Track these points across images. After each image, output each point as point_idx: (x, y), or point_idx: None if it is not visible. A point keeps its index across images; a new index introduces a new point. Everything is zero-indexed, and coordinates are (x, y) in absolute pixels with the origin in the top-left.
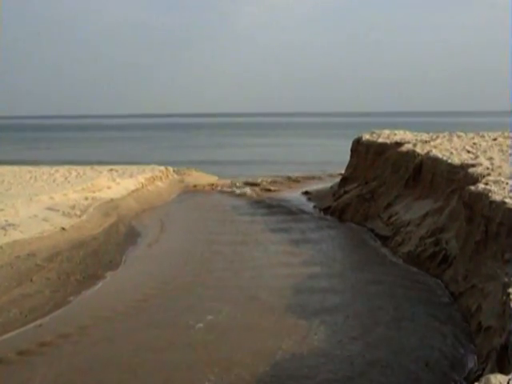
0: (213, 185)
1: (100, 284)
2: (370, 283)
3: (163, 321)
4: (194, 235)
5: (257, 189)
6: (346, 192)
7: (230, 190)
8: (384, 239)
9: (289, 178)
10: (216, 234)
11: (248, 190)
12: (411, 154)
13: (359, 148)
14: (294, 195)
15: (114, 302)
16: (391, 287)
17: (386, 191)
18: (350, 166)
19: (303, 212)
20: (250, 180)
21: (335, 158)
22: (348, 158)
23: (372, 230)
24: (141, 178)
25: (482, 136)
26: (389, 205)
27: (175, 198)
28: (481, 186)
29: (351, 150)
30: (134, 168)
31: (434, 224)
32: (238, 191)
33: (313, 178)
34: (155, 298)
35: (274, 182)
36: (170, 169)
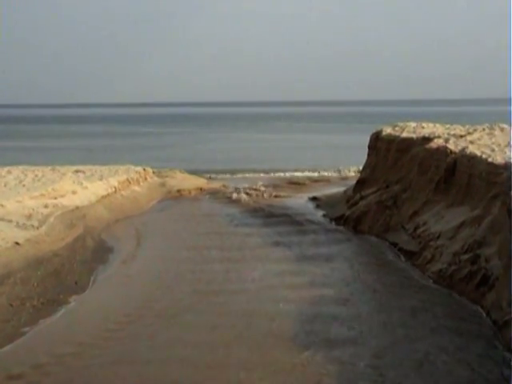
0: (201, 189)
1: (62, 311)
2: (391, 309)
3: (140, 356)
4: (179, 251)
5: (254, 194)
6: (362, 198)
7: (221, 195)
8: (409, 255)
9: (293, 181)
10: (205, 249)
11: (244, 195)
12: (442, 152)
13: (379, 144)
14: (298, 201)
15: (79, 334)
16: (418, 315)
17: (411, 197)
18: (368, 166)
19: (310, 222)
20: (246, 183)
21: (349, 157)
22: (364, 156)
23: (394, 244)
24: (113, 181)
25: None
26: (415, 213)
27: (155, 206)
28: None
29: (369, 147)
30: (105, 169)
31: (470, 237)
32: (231, 197)
33: (322, 180)
34: (131, 328)
35: (274, 186)
36: (149, 170)
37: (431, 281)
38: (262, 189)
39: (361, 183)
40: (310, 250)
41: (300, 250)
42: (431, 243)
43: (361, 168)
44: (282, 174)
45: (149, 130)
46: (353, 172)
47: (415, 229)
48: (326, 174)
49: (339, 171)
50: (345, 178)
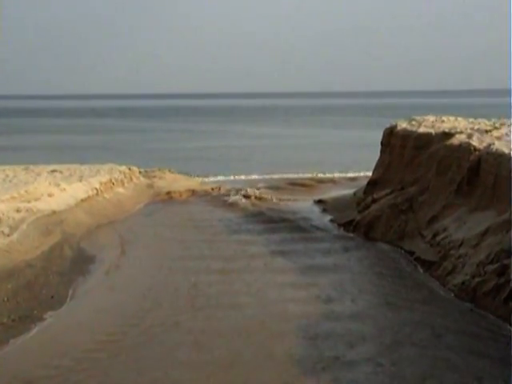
0: (193, 191)
1: (36, 329)
2: (407, 326)
3: (123, 382)
4: (168, 260)
5: (253, 197)
6: (374, 201)
7: (216, 198)
8: (427, 265)
9: (296, 182)
10: (198, 258)
11: (241, 198)
12: (465, 149)
13: (393, 141)
14: (303, 205)
15: (54, 355)
16: (438, 333)
17: (429, 200)
18: (381, 165)
19: (316, 228)
20: (245, 185)
21: (358, 155)
22: (376, 154)
23: (411, 253)
24: (95, 183)
25: None
26: (434, 218)
27: (142, 210)
28: None
29: (382, 144)
30: (86, 168)
31: (497, 245)
32: (227, 200)
33: (328, 181)
34: (113, 349)
35: (276, 188)
36: (135, 169)
37: (452, 294)
38: (262, 191)
39: (372, 184)
40: (316, 260)
41: (305, 259)
42: (452, 252)
43: (372, 167)
44: (283, 175)
45: (135, 124)
46: (363, 172)
47: (434, 236)
48: (332, 174)
49: (347, 171)
50: (354, 179)
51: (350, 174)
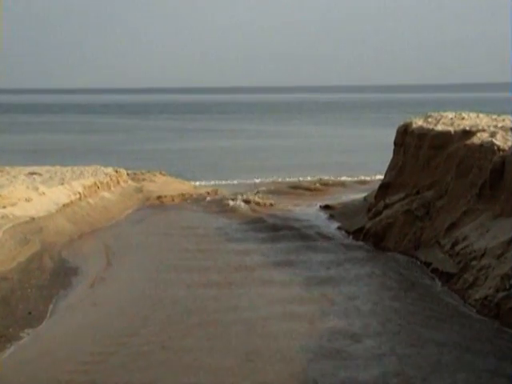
0: (187, 195)
1: (11, 349)
2: (426, 347)
3: None
4: (159, 272)
5: (253, 202)
6: (386, 206)
7: (213, 203)
8: (446, 278)
9: (300, 186)
10: (192, 270)
11: (240, 203)
12: (488, 149)
13: (407, 140)
14: (308, 211)
15: (31, 379)
16: (458, 354)
17: (448, 205)
18: (394, 166)
19: (322, 236)
20: (244, 189)
21: (368, 156)
22: (389, 155)
23: (427, 264)
24: (78, 186)
25: None
26: (453, 225)
27: (130, 216)
28: None
29: (395, 144)
30: (67, 170)
31: None
32: (225, 205)
33: (336, 185)
34: (98, 371)
35: (278, 192)
36: (123, 172)
37: (474, 310)
38: (263, 196)
39: (385, 188)
40: (322, 272)
41: (310, 271)
42: (473, 263)
43: (384, 169)
44: (286, 178)
45: (120, 121)
46: (374, 175)
47: (453, 245)
48: (339, 177)
49: (356, 174)
50: (364, 182)
51: (360, 177)
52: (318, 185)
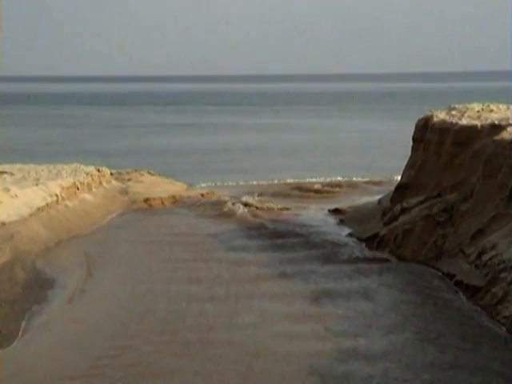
0: (178, 198)
1: None
2: (450, 370)
3: None
4: (146, 285)
5: (254, 205)
6: (404, 210)
7: (208, 207)
8: (472, 292)
9: (306, 188)
10: (184, 283)
11: (239, 207)
12: None
13: (428, 135)
14: (314, 216)
15: None
16: (488, 380)
17: (473, 209)
18: (412, 165)
19: (331, 244)
20: (242, 191)
21: (383, 154)
22: (406, 152)
23: (450, 276)
24: (55, 187)
25: None
26: (479, 232)
27: (114, 221)
28: None
29: (413, 139)
30: (43, 169)
31: None
32: (221, 209)
33: (346, 186)
34: None
35: (280, 195)
36: (106, 171)
37: (504, 329)
38: (264, 198)
39: (402, 190)
40: (331, 285)
41: (317, 283)
42: (503, 275)
43: (401, 168)
44: (289, 179)
45: (103, 113)
46: (389, 174)
47: (480, 254)
48: (350, 177)
49: (369, 173)
50: (378, 183)
51: (373, 177)
52: (325, 186)
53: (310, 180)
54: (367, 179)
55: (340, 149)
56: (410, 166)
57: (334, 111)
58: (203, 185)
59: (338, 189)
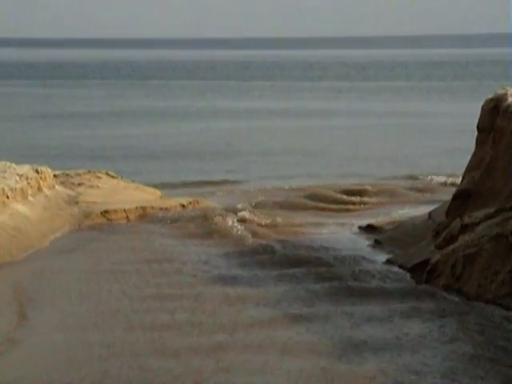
0: (150, 210)
1: None
2: None
3: None
4: (103, 333)
5: (255, 220)
6: (465, 228)
7: (191, 221)
8: None
9: (325, 196)
10: (157, 329)
11: (234, 222)
12: None
13: (500, 123)
14: (339, 235)
15: None
16: None
17: None
18: (478, 165)
19: (363, 275)
20: (239, 200)
21: (431, 148)
22: (467, 146)
23: None
24: None
25: None
26: None
27: (58, 243)
28: None
29: (479, 129)
30: None
31: None
32: (210, 225)
33: (380, 193)
34: None
35: (290, 205)
36: (48, 172)
37: None
38: (267, 211)
39: (462, 199)
40: (362, 333)
41: (342, 331)
42: None
43: (460, 169)
44: (300, 183)
45: (41, 91)
46: (442, 177)
47: None
48: (385, 179)
49: (414, 175)
50: (426, 190)
51: (419, 181)
52: (350, 194)
53: (330, 184)
54: (410, 184)
55: (366, 140)
56: (473, 165)
57: (349, 88)
58: (183, 191)
59: (367, 198)
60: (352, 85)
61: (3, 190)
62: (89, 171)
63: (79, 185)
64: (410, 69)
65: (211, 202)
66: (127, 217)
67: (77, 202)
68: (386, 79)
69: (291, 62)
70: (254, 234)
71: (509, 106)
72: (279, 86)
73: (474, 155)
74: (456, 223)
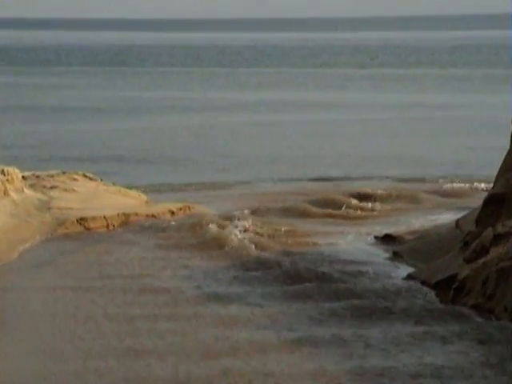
0: (133, 217)
1: None
2: None
3: None
4: (75, 361)
5: (257, 228)
6: (498, 238)
7: (182, 230)
8: None
9: (335, 200)
10: (139, 355)
11: (232, 231)
12: None
13: None
14: (352, 246)
15: None
16: None
17: None
18: (511, 167)
19: (382, 293)
20: (236, 205)
21: (457, 146)
22: (501, 144)
23: None
24: None
25: None
26: None
27: (27, 255)
28: None
29: None
30: None
31: None
32: (204, 235)
33: (399, 198)
34: None
35: (297, 212)
36: (15, 173)
37: None
38: (270, 218)
39: (495, 206)
40: (381, 359)
41: (362, 358)
42: None
43: (492, 171)
44: (305, 185)
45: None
46: (472, 179)
47: None
48: (404, 181)
49: (438, 177)
50: (451, 195)
51: (445, 184)
52: (364, 199)
53: (338, 186)
54: (434, 187)
55: (382, 135)
56: (508, 166)
57: (364, 76)
58: (172, 196)
59: (383, 203)
60: (363, 72)
61: None
62: (63, 172)
63: (52, 188)
64: (436, 54)
65: (204, 207)
66: (107, 225)
67: (49, 208)
68: (406, 66)
69: (294, 46)
70: (256, 245)
71: None
72: (283, 72)
73: (508, 155)
74: (488, 233)
